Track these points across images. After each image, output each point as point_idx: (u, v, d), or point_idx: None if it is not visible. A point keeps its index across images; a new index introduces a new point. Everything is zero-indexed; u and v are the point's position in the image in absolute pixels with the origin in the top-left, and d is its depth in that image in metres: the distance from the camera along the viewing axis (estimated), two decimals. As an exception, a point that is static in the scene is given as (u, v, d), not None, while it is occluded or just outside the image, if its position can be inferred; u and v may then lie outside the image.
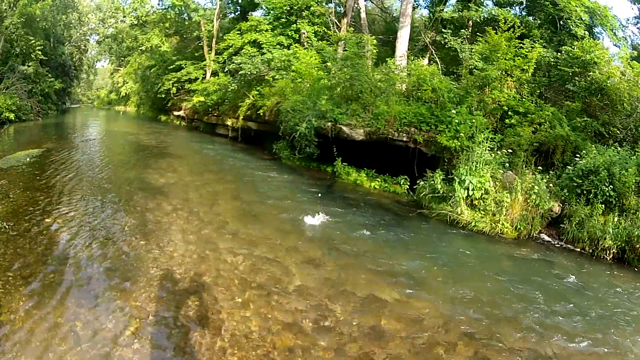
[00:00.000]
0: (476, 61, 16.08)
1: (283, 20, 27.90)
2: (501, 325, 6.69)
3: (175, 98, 41.04)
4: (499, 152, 12.72)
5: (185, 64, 39.00)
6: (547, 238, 11.55)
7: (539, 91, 15.48)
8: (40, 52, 35.81)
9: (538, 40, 16.64)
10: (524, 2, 22.02)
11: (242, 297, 6.77)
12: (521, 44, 15.63)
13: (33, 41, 34.35)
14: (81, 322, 5.79)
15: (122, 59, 68.28)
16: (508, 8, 21.57)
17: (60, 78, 45.05)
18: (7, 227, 9.01)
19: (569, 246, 11.07)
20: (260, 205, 12.38)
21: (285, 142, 19.90)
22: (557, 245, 11.18)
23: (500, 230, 11.12)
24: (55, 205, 10.88)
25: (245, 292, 6.94)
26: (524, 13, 22.11)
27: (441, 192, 12.36)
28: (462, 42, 18.10)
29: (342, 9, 29.34)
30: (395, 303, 7.04)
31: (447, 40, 18.77)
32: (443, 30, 20.46)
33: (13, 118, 28.88)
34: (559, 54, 16.41)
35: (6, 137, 24.70)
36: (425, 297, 7.38)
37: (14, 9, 30.67)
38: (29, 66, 34.72)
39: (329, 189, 15.37)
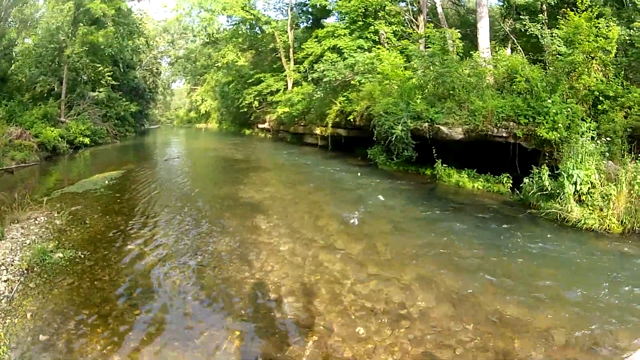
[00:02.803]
0: (559, 46, 15.90)
1: (360, 23, 28.69)
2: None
3: (257, 111, 43.21)
4: (597, 141, 12.18)
5: (265, 77, 40.93)
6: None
7: (622, 72, 14.78)
8: (110, 78, 38.53)
9: (610, 19, 16.06)
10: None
11: (364, 327, 6.16)
12: (598, 24, 15.01)
13: (101, 68, 37.07)
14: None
15: (198, 77, 71.48)
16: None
17: (135, 101, 48.23)
18: (82, 256, 8.59)
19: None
20: (365, 217, 11.91)
21: (380, 147, 20.23)
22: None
23: (608, 225, 10.56)
24: (138, 230, 10.51)
25: (366, 320, 6.36)
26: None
27: (549, 189, 11.95)
28: (541, 27, 18.24)
29: (414, 7, 29.92)
30: (522, 319, 6.39)
31: (527, 27, 18.82)
32: (521, 17, 20.41)
33: (88, 142, 30.92)
34: (631, 30, 16.01)
35: (82, 160, 25.92)
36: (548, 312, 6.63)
37: (73, 38, 33.18)
38: (99, 92, 37.61)
39: (431, 193, 15.25)
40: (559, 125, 13.24)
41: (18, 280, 7.30)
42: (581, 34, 14.75)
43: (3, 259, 8.04)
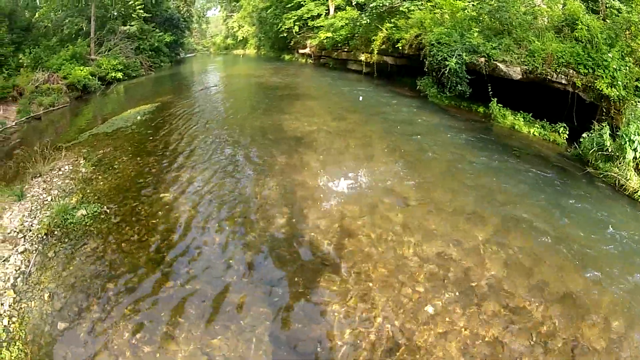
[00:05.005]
0: (613, 0, 14.92)
1: (410, -56, 26.82)
2: None
3: (298, 36, 41.94)
4: None
5: (305, 1, 39.42)
6: None
7: None
8: (141, 11, 37.96)
9: None
10: None
11: (435, 305, 5.74)
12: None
13: (131, 2, 36.54)
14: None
15: (234, 3, 69.83)
16: None
17: (170, 31, 47.81)
18: (108, 211, 7.96)
19: None
20: (420, 159, 11.20)
21: (431, 79, 19.46)
22: None
23: None
24: (173, 173, 9.80)
25: (439, 294, 5.92)
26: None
27: (609, 151, 11.23)
28: None
29: None
30: (588, 295, 6.09)
31: None
32: None
33: (121, 77, 30.67)
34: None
35: (115, 96, 25.58)
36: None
37: None
38: (131, 25, 36.86)
39: (486, 134, 14.41)
40: (618, 82, 12.50)
41: (36, 250, 6.93)
42: None
43: (21, 225, 7.70)
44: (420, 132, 13.90)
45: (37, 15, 31.52)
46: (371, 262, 6.42)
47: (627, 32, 13.55)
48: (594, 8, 16.21)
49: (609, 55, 13.00)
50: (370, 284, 5.99)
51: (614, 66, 12.71)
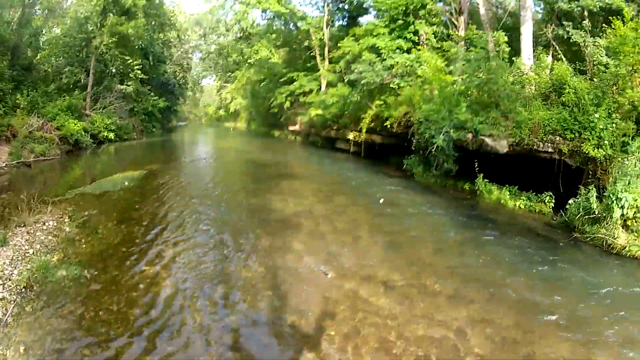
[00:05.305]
0: (601, 56, 15.47)
1: (400, 22, 27.85)
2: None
3: (288, 112, 42.64)
4: None
5: (298, 76, 40.29)
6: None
7: None
8: (139, 71, 38.69)
9: None
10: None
11: None
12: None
13: (130, 61, 37.24)
14: None
15: (229, 74, 71.56)
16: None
17: (164, 96, 48.37)
18: (88, 276, 7.80)
19: None
20: (405, 240, 11.18)
21: (418, 157, 19.54)
22: None
23: None
24: (156, 246, 9.67)
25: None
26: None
27: (596, 212, 11.39)
28: (584, 35, 17.55)
29: (450, 7, 28.54)
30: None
31: (570, 34, 18.24)
32: (564, 23, 19.76)
33: (113, 137, 31.28)
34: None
35: (105, 156, 25.84)
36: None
37: (102, 29, 33.30)
38: (127, 85, 37.61)
39: (472, 212, 14.43)
40: (605, 142, 12.86)
41: (14, 301, 6.75)
42: (627, 44, 14.15)
43: (1, 271, 7.58)
44: (406, 212, 13.94)
45: (38, 56, 32.17)
46: (355, 345, 6.25)
47: (614, 87, 13.89)
48: (581, 68, 16.66)
49: (596, 115, 13.30)
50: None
51: (601, 126, 13.03)
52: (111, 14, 33.54)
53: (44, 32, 33.87)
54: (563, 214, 12.77)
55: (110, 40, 33.64)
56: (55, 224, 10.36)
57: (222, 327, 6.52)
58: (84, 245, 9.34)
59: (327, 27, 38.94)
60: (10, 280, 7.27)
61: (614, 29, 14.98)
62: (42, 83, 30.26)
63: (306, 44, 42.46)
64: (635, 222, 10.62)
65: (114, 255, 8.91)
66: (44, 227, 10.07)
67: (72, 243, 9.40)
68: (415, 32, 27.43)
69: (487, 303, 7.72)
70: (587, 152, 13.01)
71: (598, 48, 16.11)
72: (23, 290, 7.06)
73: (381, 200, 14.58)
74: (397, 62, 24.03)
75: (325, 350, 6.08)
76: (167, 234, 10.60)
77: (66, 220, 10.77)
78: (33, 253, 8.50)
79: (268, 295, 7.59)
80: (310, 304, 7.41)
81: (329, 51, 38.35)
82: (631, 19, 14.81)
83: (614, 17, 15.42)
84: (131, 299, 7.16)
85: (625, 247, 10.29)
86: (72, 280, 7.57)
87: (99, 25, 33.09)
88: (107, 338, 6.00)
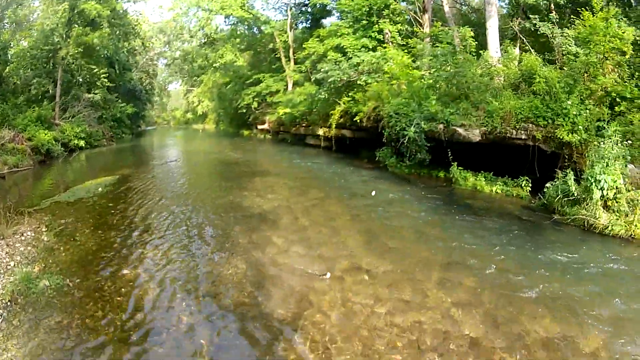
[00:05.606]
0: (570, 46, 15.86)
1: (363, 22, 28.22)
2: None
3: (256, 112, 42.79)
4: (619, 144, 11.88)
5: (264, 77, 40.60)
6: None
7: (638, 73, 14.57)
8: (106, 80, 38.50)
9: (621, 19, 15.82)
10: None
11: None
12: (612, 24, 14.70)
13: (96, 70, 37.07)
14: None
15: (195, 78, 71.33)
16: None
17: (132, 102, 48.41)
18: (71, 284, 7.73)
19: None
20: (384, 229, 11.21)
21: (390, 149, 19.77)
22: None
23: (633, 232, 10.41)
24: (135, 249, 9.66)
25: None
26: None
27: (575, 195, 11.63)
28: (551, 26, 17.95)
29: (413, 6, 29.13)
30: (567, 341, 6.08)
31: (537, 26, 18.58)
32: (530, 16, 20.20)
33: (83, 145, 31.22)
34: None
35: (77, 164, 25.63)
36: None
37: (68, 40, 33.33)
38: (95, 93, 37.33)
39: (448, 198, 14.62)
40: (579, 127, 13.22)
41: (0, 316, 6.61)
42: (597, 34, 14.53)
43: None
44: (382, 202, 14.00)
45: (7, 69, 31.72)
46: (345, 335, 6.23)
47: (586, 75, 14.41)
48: (550, 58, 17.17)
49: (568, 102, 13.71)
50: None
51: (574, 112, 13.44)
52: (76, 25, 33.47)
53: (11, 45, 33.44)
54: (541, 197, 13.09)
55: (76, 51, 33.46)
56: (33, 234, 10.15)
57: (210, 326, 6.46)
58: (64, 254, 9.16)
59: (291, 30, 39.34)
60: (-6, 295, 7.09)
61: (582, 19, 15.33)
62: (11, 95, 30.18)
63: (271, 46, 42.84)
64: (617, 202, 10.95)
65: (94, 262, 8.75)
66: (23, 238, 9.85)
67: (52, 252, 9.21)
68: (380, 31, 27.81)
69: (473, 286, 7.76)
70: (561, 137, 13.35)
71: (567, 38, 16.45)
72: (8, 304, 6.89)
73: (373, 193, 14.76)
74: (363, 60, 24.18)
75: (317, 339, 6.07)
76: (145, 236, 10.47)
77: (43, 229, 10.56)
78: (14, 265, 8.31)
79: (253, 291, 7.54)
80: (295, 296, 7.40)
81: (294, 52, 38.67)
82: (601, 9, 15.15)
83: (582, 8, 15.78)
84: (116, 304, 7.04)
85: (607, 227, 10.65)
86: (55, 290, 7.42)
87: (64, 36, 32.97)
88: (96, 345, 5.91)
